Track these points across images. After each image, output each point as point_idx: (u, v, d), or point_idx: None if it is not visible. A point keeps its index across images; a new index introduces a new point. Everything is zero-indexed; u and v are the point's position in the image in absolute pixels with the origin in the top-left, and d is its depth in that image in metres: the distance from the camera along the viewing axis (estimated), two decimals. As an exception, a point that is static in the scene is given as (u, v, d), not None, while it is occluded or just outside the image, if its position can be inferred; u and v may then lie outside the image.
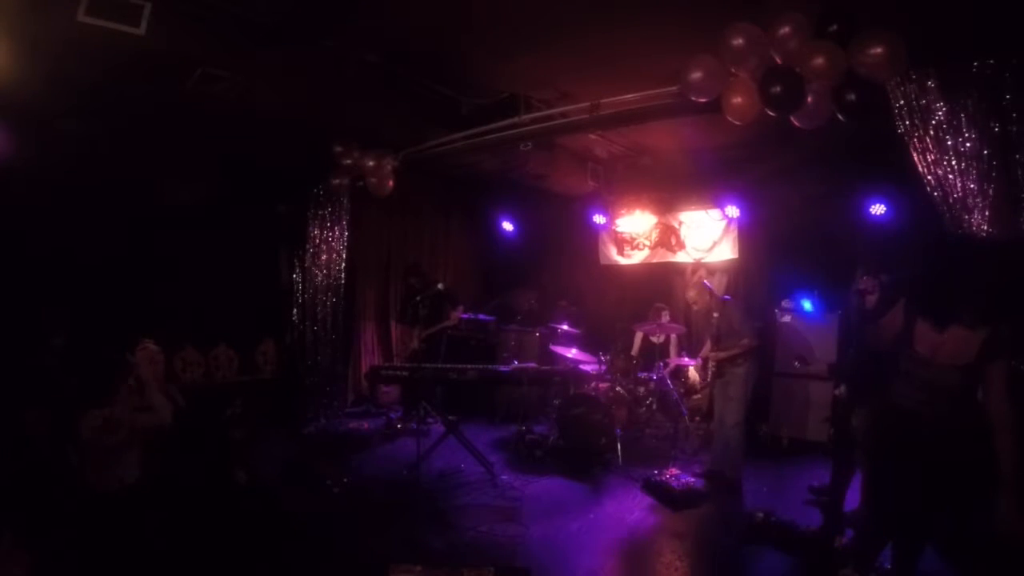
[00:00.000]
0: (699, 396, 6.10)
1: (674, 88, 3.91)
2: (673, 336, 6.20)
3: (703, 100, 3.73)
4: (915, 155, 3.39)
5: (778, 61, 3.38)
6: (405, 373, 5.24)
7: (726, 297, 5.19)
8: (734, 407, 4.69)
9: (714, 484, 4.58)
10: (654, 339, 6.01)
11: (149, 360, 4.08)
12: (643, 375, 5.97)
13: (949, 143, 3.27)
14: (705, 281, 5.11)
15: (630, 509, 4.29)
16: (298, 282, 6.49)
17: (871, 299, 3.64)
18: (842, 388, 3.91)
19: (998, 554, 2.76)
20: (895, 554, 2.86)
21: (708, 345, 5.04)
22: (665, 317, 6.05)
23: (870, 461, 3.04)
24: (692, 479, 4.61)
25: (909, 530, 2.79)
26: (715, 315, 4.82)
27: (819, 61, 3.25)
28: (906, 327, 2.73)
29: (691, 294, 5.08)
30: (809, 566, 3.42)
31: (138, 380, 3.43)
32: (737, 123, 3.69)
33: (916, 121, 3.34)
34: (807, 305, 5.97)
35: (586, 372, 5.99)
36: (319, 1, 3.56)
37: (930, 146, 3.33)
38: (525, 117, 4.72)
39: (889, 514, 2.83)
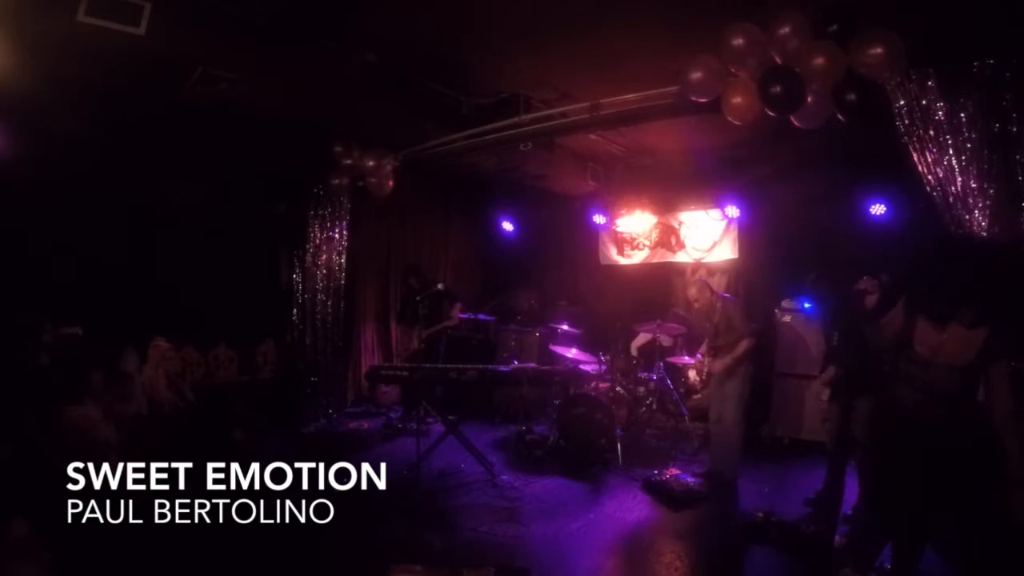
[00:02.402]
0: (699, 396, 6.11)
1: (674, 88, 3.91)
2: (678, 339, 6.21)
3: (703, 100, 3.73)
4: (915, 155, 3.39)
5: (778, 61, 3.38)
6: (405, 373, 5.25)
7: (726, 295, 5.20)
8: (731, 405, 4.68)
9: (713, 484, 4.58)
10: (665, 343, 6.03)
11: (161, 357, 4.11)
12: (643, 375, 5.98)
13: (949, 143, 3.28)
14: (704, 279, 5.13)
15: (630, 509, 4.28)
16: (298, 282, 6.49)
17: (871, 299, 3.64)
18: (831, 370, 3.93)
19: (998, 553, 2.77)
20: (895, 554, 2.87)
21: (707, 343, 5.05)
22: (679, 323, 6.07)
23: (870, 460, 3.05)
24: (692, 479, 4.61)
25: (909, 530, 2.79)
26: (714, 312, 4.83)
27: (819, 61, 3.25)
28: (906, 327, 2.73)
29: (692, 292, 5.10)
30: (809, 566, 3.42)
31: (118, 376, 3.42)
32: (737, 123, 3.70)
33: (916, 121, 3.35)
34: (807, 305, 5.97)
35: (586, 372, 5.99)
36: (319, 1, 3.56)
37: (930, 146, 3.33)
38: (525, 117, 4.72)
39: (889, 514, 2.83)
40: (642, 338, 6.29)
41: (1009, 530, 2.55)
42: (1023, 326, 2.62)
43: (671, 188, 6.89)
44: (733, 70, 3.54)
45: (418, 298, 5.93)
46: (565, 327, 6.55)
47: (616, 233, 7.63)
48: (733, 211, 6.47)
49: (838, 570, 3.06)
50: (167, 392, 4.08)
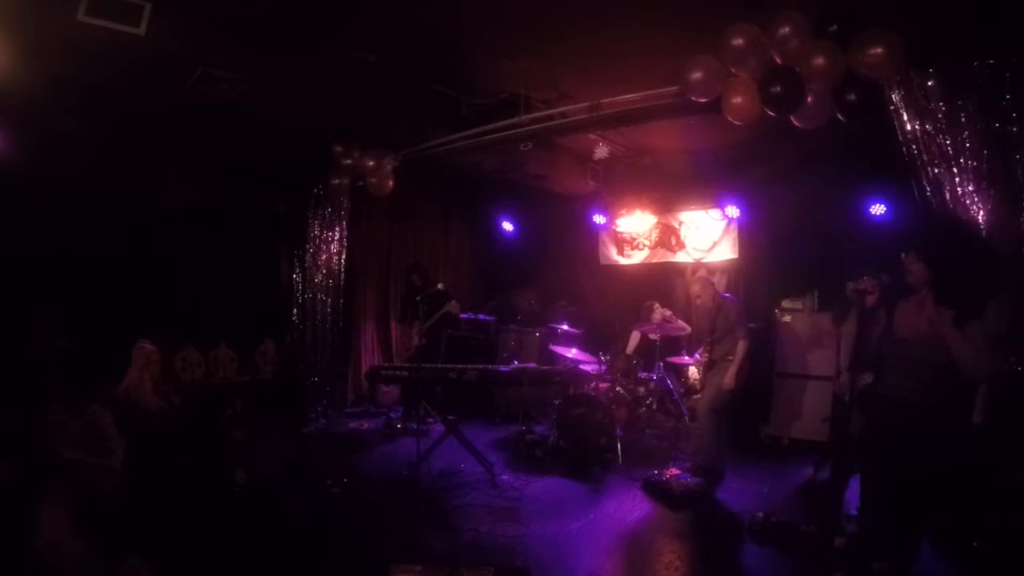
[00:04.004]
0: (699, 396, 6.10)
1: (674, 88, 3.92)
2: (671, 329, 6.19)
3: (703, 100, 3.73)
4: (915, 155, 3.39)
5: (778, 61, 3.38)
6: (405, 373, 5.24)
7: (727, 295, 5.21)
8: (710, 393, 4.72)
9: (702, 477, 4.58)
10: (653, 336, 6.01)
11: (146, 360, 4.07)
12: (643, 375, 5.98)
13: (949, 143, 3.27)
14: (707, 276, 5.17)
15: (630, 509, 4.29)
16: (298, 282, 6.49)
17: (871, 299, 3.65)
18: (845, 376, 3.94)
19: (998, 554, 2.78)
20: (891, 554, 2.87)
21: (705, 342, 5.06)
22: (657, 314, 6.02)
23: (864, 454, 3.11)
24: (692, 479, 4.61)
25: (903, 523, 2.81)
26: (715, 310, 4.85)
27: (819, 61, 3.25)
28: (888, 318, 2.88)
29: (695, 288, 5.13)
30: (809, 566, 3.42)
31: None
32: (737, 123, 3.70)
33: (916, 121, 3.34)
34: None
35: (586, 372, 5.99)
36: (319, 1, 3.56)
37: (930, 146, 3.33)
38: (525, 117, 4.72)
39: (881, 507, 2.87)
40: (635, 338, 6.27)
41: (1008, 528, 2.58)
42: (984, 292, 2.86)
43: (671, 188, 6.90)
44: (733, 70, 3.54)
45: (418, 298, 5.94)
46: (565, 327, 6.54)
47: (616, 233, 7.63)
48: (733, 211, 6.47)
49: (833, 572, 3.08)
50: (153, 396, 4.04)
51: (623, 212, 7.27)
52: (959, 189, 3.28)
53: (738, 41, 3.37)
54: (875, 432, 2.99)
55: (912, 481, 2.70)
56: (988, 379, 2.66)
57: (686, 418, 5.86)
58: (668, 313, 6.01)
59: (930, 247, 2.92)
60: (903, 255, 2.93)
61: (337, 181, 6.12)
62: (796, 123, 3.58)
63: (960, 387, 2.70)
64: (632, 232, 7.47)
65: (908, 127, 3.37)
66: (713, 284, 5.07)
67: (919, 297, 2.84)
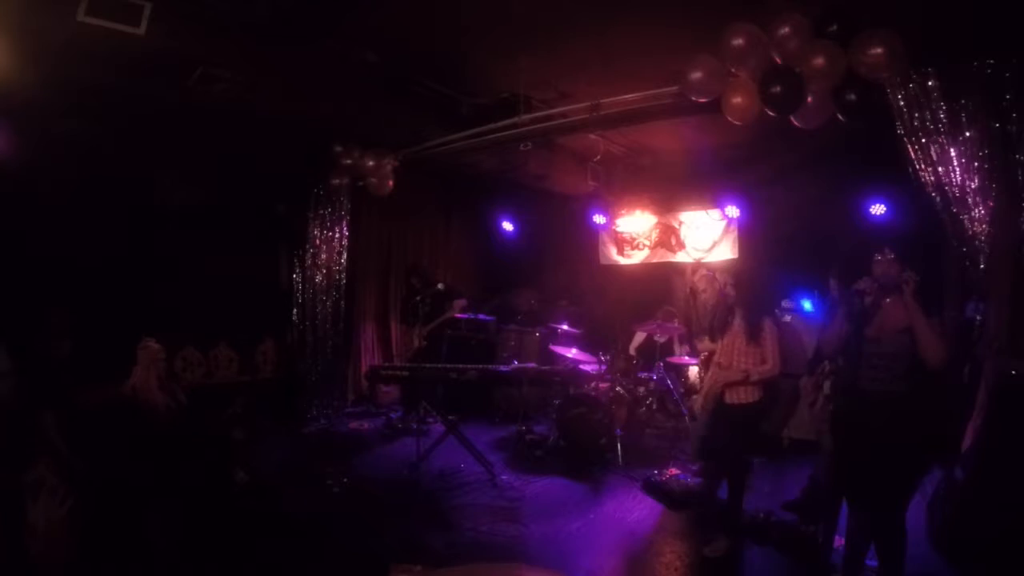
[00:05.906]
0: (698, 396, 6.10)
1: (674, 88, 3.92)
2: (675, 336, 6.20)
3: (703, 100, 3.74)
4: (915, 155, 3.39)
5: (778, 61, 3.38)
6: (405, 373, 5.24)
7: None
8: (700, 395, 4.72)
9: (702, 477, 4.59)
10: (657, 338, 6.01)
11: (151, 359, 4.07)
12: (643, 375, 5.98)
13: (949, 143, 3.28)
14: (710, 272, 5.22)
15: (630, 509, 4.29)
16: (298, 282, 6.49)
17: (869, 300, 3.65)
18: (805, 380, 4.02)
19: (998, 554, 2.79)
20: (879, 552, 2.89)
21: (706, 341, 5.07)
22: (676, 322, 6.04)
23: (838, 447, 3.16)
24: (692, 479, 4.61)
25: (884, 518, 2.84)
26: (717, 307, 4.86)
27: (819, 61, 3.26)
28: (867, 318, 2.95)
29: (700, 284, 5.15)
30: (809, 566, 3.42)
31: None
32: (737, 123, 3.70)
33: (916, 121, 3.35)
34: (807, 305, 5.97)
35: (586, 372, 5.99)
36: (319, 1, 3.56)
37: (930, 146, 3.33)
38: (525, 117, 4.72)
39: (864, 505, 2.90)
40: (639, 338, 6.28)
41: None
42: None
43: (671, 188, 6.90)
44: (733, 70, 3.54)
45: (418, 298, 5.93)
46: (565, 327, 6.55)
47: (616, 233, 7.64)
48: (733, 211, 6.48)
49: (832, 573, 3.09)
50: (160, 394, 4.04)
51: (623, 212, 7.28)
52: (959, 189, 3.28)
53: (738, 41, 3.37)
54: (848, 429, 3.03)
55: (887, 475, 2.75)
56: (944, 366, 2.76)
57: (686, 418, 5.86)
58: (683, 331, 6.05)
59: (911, 248, 2.99)
60: (877, 255, 2.93)
61: (337, 181, 6.12)
62: (796, 123, 3.58)
63: (926, 379, 2.78)
64: (632, 232, 7.48)
65: (908, 127, 3.37)
66: (716, 280, 5.09)
67: (902, 292, 2.88)
